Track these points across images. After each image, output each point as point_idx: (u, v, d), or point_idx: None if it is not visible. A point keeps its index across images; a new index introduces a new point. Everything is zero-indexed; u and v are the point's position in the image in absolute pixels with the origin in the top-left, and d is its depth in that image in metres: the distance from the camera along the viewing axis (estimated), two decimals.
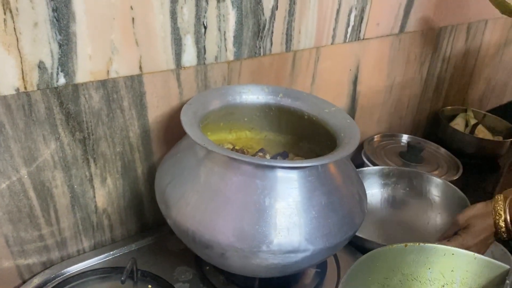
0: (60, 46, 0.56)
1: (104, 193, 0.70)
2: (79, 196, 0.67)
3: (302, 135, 0.76)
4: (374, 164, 1.04)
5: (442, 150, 1.13)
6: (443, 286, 0.57)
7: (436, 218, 0.90)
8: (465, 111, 1.36)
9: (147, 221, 0.78)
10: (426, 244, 0.57)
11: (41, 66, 0.55)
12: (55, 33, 0.54)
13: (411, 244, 0.57)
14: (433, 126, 1.33)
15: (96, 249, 0.73)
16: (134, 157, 0.71)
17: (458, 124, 1.31)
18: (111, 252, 0.72)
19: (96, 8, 0.56)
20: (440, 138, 1.27)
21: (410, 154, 1.08)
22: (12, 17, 0.51)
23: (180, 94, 0.71)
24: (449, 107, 1.36)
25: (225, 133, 0.77)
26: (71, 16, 0.55)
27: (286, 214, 0.54)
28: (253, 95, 0.72)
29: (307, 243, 0.54)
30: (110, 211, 0.72)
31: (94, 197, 0.69)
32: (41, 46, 0.54)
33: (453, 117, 1.35)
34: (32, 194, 0.62)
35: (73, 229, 0.69)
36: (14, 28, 0.52)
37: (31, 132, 0.58)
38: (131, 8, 0.59)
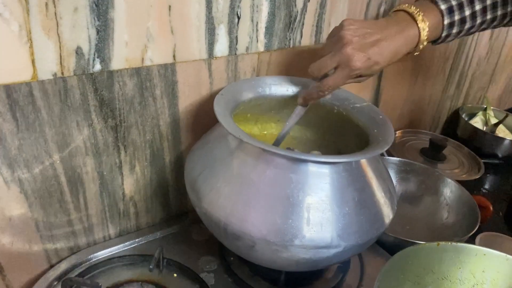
0: (98, 32, 0.55)
1: (132, 180, 0.70)
2: (108, 183, 0.67)
3: (329, 130, 0.75)
4: None
5: (465, 149, 1.13)
6: (474, 286, 0.57)
7: (444, 219, 0.90)
8: (485, 109, 1.35)
9: (172, 209, 0.79)
10: (458, 243, 0.57)
11: (78, 51, 0.55)
12: (94, 18, 0.54)
13: (443, 243, 0.57)
14: (452, 124, 1.32)
15: (122, 236, 0.74)
16: (163, 146, 0.71)
17: (477, 122, 1.30)
18: (136, 240, 0.73)
19: None
20: (459, 136, 1.26)
21: (432, 152, 1.07)
22: (54, 1, 0.51)
23: (211, 84, 0.71)
24: (469, 105, 1.35)
25: (251, 124, 0.77)
26: (110, 2, 0.54)
27: (320, 209, 0.54)
28: (282, 87, 0.72)
29: (339, 239, 0.54)
30: (136, 198, 0.72)
31: (122, 184, 0.69)
32: (80, 32, 0.54)
33: (472, 115, 1.34)
34: (63, 179, 0.62)
35: (100, 215, 0.69)
36: (55, 13, 0.51)
37: (65, 117, 0.58)
38: None
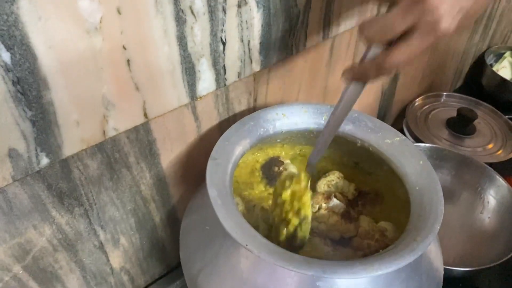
0: (33, 123, 0.39)
1: (119, 253, 0.58)
2: (90, 266, 0.55)
3: (349, 153, 0.61)
4: (416, 138, 0.90)
5: (502, 117, 0.97)
6: None
7: (482, 218, 0.79)
8: None
9: (172, 260, 0.68)
10: None
11: (12, 154, 0.40)
12: (23, 110, 0.38)
13: None
14: (476, 72, 1.16)
15: None
16: (149, 209, 0.58)
17: (505, 67, 1.14)
18: None
19: (75, 63, 0.39)
20: (484, 86, 1.11)
21: (460, 124, 0.93)
22: None
23: (198, 128, 0.56)
24: (495, 47, 1.17)
25: (250, 152, 0.62)
26: (42, 83, 0.38)
27: None
28: (289, 121, 0.56)
29: None
30: (128, 266, 0.61)
31: (108, 260, 0.57)
32: (7, 132, 0.38)
33: (499, 56, 1.17)
34: (32, 284, 0.50)
35: None
36: None
37: (16, 228, 0.45)
38: (124, 48, 0.42)
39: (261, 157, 0.62)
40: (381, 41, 0.38)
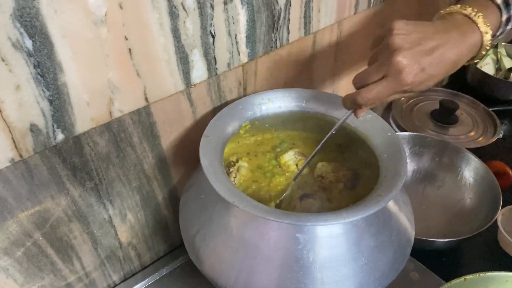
0: (51, 102, 0.47)
1: (127, 228, 0.65)
2: (101, 238, 0.62)
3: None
4: (402, 130, 0.97)
5: (481, 106, 1.04)
6: None
7: (463, 197, 0.84)
8: (496, 46, 1.24)
9: (175, 240, 0.74)
10: (487, 273, 0.53)
11: (33, 129, 0.47)
12: (42, 90, 0.46)
13: (470, 276, 0.52)
14: (460, 70, 1.22)
15: (127, 279, 0.70)
16: (153, 187, 0.64)
17: (488, 63, 1.20)
18: (143, 282, 0.69)
19: (85, 50, 0.47)
20: (469, 83, 1.17)
21: (443, 115, 0.99)
22: None
23: (194, 113, 0.63)
24: None
25: (244, 139, 0.69)
26: (57, 67, 0.46)
27: (333, 267, 0.49)
28: (274, 105, 0.63)
29: None
30: (135, 242, 0.68)
31: (117, 235, 0.64)
32: (29, 109, 0.46)
33: None
34: (50, 251, 0.57)
35: (99, 268, 0.65)
36: None
37: (36, 196, 0.52)
38: (126, 38, 0.49)
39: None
40: (361, 86, 0.52)
